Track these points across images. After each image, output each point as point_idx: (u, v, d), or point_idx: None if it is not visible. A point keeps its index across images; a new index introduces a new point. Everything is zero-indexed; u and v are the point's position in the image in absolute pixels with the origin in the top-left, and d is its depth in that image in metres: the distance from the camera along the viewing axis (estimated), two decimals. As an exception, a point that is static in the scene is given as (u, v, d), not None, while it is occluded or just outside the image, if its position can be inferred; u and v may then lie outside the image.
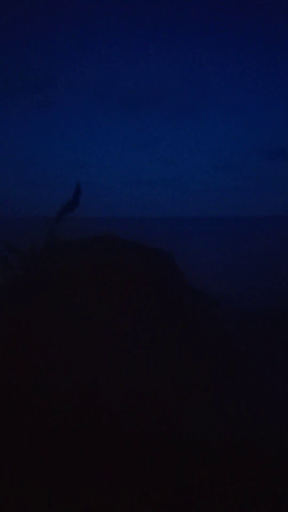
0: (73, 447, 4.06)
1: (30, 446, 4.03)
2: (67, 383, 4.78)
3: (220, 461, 3.95)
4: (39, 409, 4.44)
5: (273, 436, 4.43)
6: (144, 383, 4.99)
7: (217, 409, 4.80)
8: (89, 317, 5.58)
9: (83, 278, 5.91)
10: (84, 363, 5.04)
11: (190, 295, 6.46)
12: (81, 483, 3.69)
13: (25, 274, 6.07)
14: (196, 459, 3.97)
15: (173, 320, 5.98)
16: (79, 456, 3.96)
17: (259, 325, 7.33)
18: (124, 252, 6.35)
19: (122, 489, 3.64)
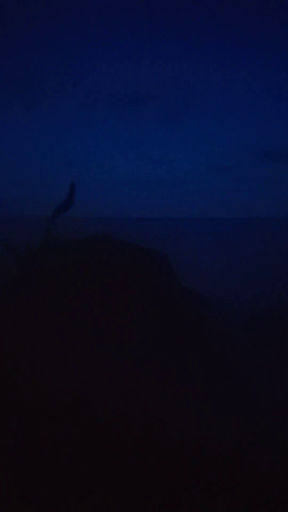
0: (68, 447, 4.07)
1: (26, 446, 4.03)
2: (62, 383, 4.79)
3: (217, 463, 3.97)
4: (34, 408, 4.45)
5: (272, 439, 4.45)
6: (138, 384, 5.01)
7: (214, 411, 4.82)
8: (83, 317, 5.59)
9: (77, 277, 5.92)
10: (78, 362, 5.06)
11: (184, 295, 6.48)
12: (78, 484, 3.70)
13: (21, 273, 6.07)
14: (193, 461, 3.98)
15: (167, 320, 6.00)
16: (75, 457, 3.97)
17: (256, 326, 7.36)
18: (118, 252, 6.36)
19: (119, 490, 3.65)
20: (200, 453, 4.07)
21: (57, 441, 4.11)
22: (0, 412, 4.41)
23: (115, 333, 5.56)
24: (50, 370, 4.94)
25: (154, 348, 5.60)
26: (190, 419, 4.61)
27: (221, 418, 4.69)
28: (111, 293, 5.88)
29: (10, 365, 4.97)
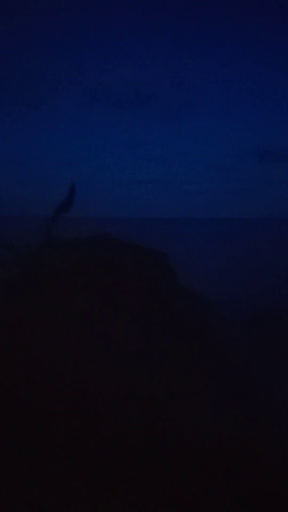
0: (69, 446, 4.07)
1: (27, 446, 4.03)
2: (62, 382, 4.79)
3: (217, 464, 3.97)
4: (33, 408, 4.45)
5: (272, 439, 4.45)
6: (138, 384, 5.01)
7: (214, 411, 4.82)
8: (83, 317, 5.59)
9: (76, 277, 5.93)
10: (78, 362, 5.06)
11: (183, 295, 6.49)
12: (78, 483, 3.70)
13: (21, 273, 6.08)
14: (193, 461, 3.98)
15: (166, 320, 6.00)
16: (75, 456, 3.97)
17: (256, 326, 7.36)
18: (118, 252, 6.37)
19: (119, 490, 3.65)
20: (200, 453, 4.07)
21: (57, 440, 4.11)
22: (0, 411, 4.41)
23: (115, 333, 5.57)
24: (50, 369, 4.94)
25: (154, 348, 5.60)
26: (190, 418, 4.61)
27: (221, 418, 4.69)
28: (111, 293, 5.89)
29: (10, 365, 4.97)
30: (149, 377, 5.18)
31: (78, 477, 3.75)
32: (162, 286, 6.32)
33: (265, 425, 4.66)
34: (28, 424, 4.28)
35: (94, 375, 4.98)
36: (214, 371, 5.61)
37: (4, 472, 3.76)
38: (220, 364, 5.83)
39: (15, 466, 3.82)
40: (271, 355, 6.43)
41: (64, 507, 3.48)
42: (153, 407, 4.73)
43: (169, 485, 3.70)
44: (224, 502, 3.58)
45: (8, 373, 4.89)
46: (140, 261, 6.39)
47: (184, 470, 3.87)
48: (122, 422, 4.42)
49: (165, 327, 5.91)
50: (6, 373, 4.89)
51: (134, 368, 5.23)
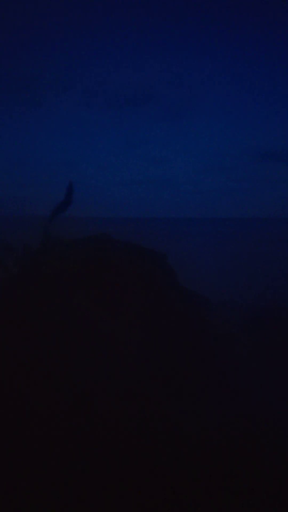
0: (69, 445, 4.07)
1: (27, 445, 4.03)
2: (62, 382, 4.79)
3: (217, 463, 3.97)
4: (34, 408, 4.45)
5: (271, 437, 4.45)
6: (138, 383, 5.01)
7: (213, 411, 4.82)
8: (82, 317, 5.59)
9: (75, 277, 5.92)
10: (78, 362, 5.06)
11: (182, 295, 6.48)
12: (78, 483, 3.70)
13: (20, 273, 6.07)
14: (192, 461, 3.98)
15: (166, 320, 6.00)
16: (75, 455, 3.97)
17: (256, 326, 7.36)
18: (116, 252, 6.36)
19: (119, 489, 3.65)
20: (199, 452, 4.07)
21: (57, 439, 4.11)
22: (0, 411, 4.41)
23: (114, 332, 5.56)
24: (50, 369, 4.94)
25: (153, 347, 5.60)
26: (190, 418, 4.61)
27: (221, 417, 4.69)
28: (111, 293, 5.88)
29: (10, 365, 4.97)
30: (148, 376, 5.18)
31: (78, 476, 3.74)
32: (162, 286, 6.32)
33: (265, 425, 4.66)
34: (28, 423, 4.28)
35: (94, 374, 4.98)
36: (213, 371, 5.61)
37: (4, 471, 3.76)
38: (220, 364, 5.83)
39: (15, 465, 3.82)
40: (271, 355, 6.42)
41: (64, 507, 3.48)
42: (153, 406, 4.72)
43: (169, 485, 3.70)
44: (224, 502, 3.58)
45: (8, 372, 4.88)
46: (140, 261, 6.38)
47: (183, 470, 3.87)
48: (122, 421, 4.42)
49: (165, 327, 5.91)
50: (6, 372, 4.89)
51: (134, 368, 5.22)
